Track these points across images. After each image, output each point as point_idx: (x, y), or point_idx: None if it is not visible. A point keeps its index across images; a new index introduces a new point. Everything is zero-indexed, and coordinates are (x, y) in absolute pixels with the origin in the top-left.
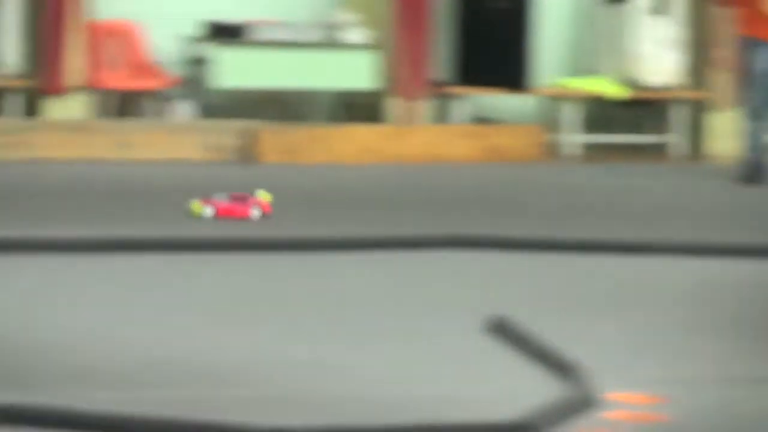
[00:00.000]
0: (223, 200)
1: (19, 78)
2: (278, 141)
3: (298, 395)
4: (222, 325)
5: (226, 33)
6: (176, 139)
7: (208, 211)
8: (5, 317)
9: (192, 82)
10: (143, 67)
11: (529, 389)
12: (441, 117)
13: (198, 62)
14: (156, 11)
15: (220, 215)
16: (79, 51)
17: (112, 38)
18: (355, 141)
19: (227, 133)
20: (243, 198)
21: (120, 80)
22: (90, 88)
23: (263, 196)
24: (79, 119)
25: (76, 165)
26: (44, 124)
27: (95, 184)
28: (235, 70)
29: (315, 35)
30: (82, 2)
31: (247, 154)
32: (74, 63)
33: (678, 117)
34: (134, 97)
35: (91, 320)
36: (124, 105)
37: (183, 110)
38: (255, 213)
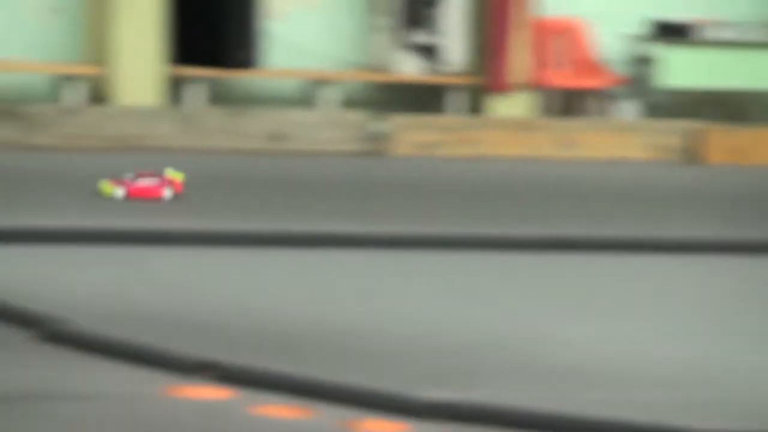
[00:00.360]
0: (134, 180)
1: (464, 75)
2: (725, 142)
3: (729, 397)
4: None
5: (672, 32)
6: (620, 139)
7: (119, 192)
8: (422, 318)
9: (637, 81)
10: (588, 66)
11: None
12: None
13: (643, 61)
14: (601, 9)
15: (132, 196)
16: (525, 49)
17: (558, 36)
18: None
19: (672, 133)
20: (154, 176)
21: (565, 78)
22: (534, 86)
23: (173, 175)
24: (523, 117)
25: (518, 162)
26: (489, 121)
27: (537, 182)
28: (681, 69)
29: (761, 35)
30: (527, 0)
31: (692, 155)
32: (519, 61)
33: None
34: (578, 95)
35: (515, 317)
36: (567, 103)
37: (627, 109)
38: (167, 193)
